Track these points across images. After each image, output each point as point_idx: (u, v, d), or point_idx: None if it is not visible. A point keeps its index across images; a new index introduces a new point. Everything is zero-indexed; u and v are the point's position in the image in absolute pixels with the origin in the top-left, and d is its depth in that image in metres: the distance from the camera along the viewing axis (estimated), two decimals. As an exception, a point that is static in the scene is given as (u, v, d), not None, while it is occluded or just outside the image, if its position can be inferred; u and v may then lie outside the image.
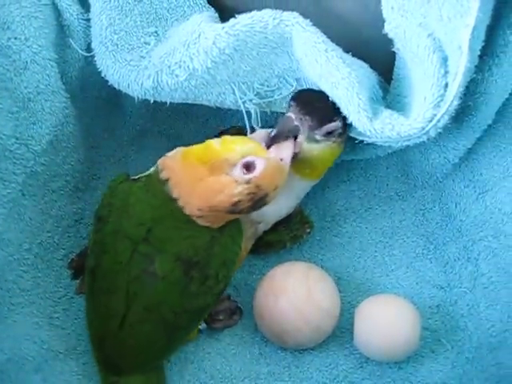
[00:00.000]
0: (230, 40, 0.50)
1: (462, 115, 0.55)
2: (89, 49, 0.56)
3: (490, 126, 0.57)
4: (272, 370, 0.54)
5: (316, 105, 0.52)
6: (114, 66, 0.54)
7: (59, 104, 0.55)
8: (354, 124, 0.51)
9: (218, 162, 0.47)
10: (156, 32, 0.56)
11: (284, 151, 0.50)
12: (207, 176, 0.47)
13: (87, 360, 0.52)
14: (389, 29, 0.52)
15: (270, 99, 0.55)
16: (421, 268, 0.59)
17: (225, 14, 0.57)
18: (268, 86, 0.55)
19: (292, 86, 0.55)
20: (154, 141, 0.64)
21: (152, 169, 0.50)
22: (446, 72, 0.48)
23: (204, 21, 0.53)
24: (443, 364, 0.54)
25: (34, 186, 0.53)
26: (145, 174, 0.51)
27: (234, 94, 0.54)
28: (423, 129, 0.49)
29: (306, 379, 0.54)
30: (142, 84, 0.53)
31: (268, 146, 0.50)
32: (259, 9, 0.54)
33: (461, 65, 0.47)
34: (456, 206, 0.60)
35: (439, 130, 0.49)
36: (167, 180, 0.48)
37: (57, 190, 0.56)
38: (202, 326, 0.55)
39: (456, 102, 0.48)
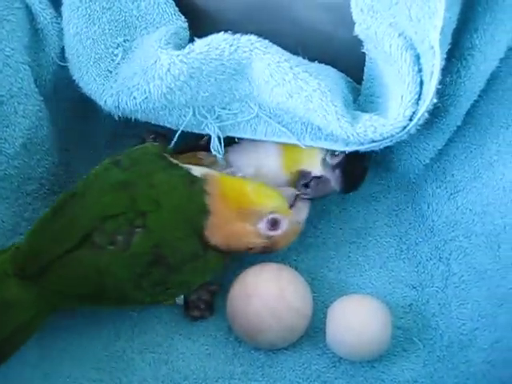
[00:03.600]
0: (184, 68, 0.50)
1: (431, 117, 0.55)
2: (63, 51, 0.56)
3: (460, 127, 0.58)
4: (246, 370, 0.55)
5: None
6: (83, 79, 0.55)
7: (32, 107, 0.55)
8: (335, 132, 0.52)
9: (248, 211, 0.51)
10: (124, 42, 0.56)
11: (302, 213, 0.55)
12: (235, 220, 0.51)
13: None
14: (359, 30, 0.53)
15: (231, 121, 0.56)
16: (394, 268, 0.60)
17: (195, 16, 0.57)
18: (230, 110, 0.55)
19: (254, 111, 0.55)
20: (129, 144, 0.64)
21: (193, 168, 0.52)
22: (420, 70, 0.50)
23: (164, 43, 0.52)
24: (415, 362, 0.55)
25: (7, 188, 0.54)
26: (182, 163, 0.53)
27: (194, 116, 0.55)
28: (404, 128, 0.50)
29: (279, 379, 0.54)
30: (105, 101, 0.54)
31: (290, 206, 0.53)
32: (230, 11, 0.55)
33: (436, 63, 0.48)
34: (428, 207, 0.61)
35: (418, 127, 0.51)
36: (207, 196, 0.50)
37: (31, 193, 0.57)
38: (179, 299, 0.56)
39: (435, 100, 0.49)
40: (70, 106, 0.62)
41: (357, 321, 0.53)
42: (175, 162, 0.53)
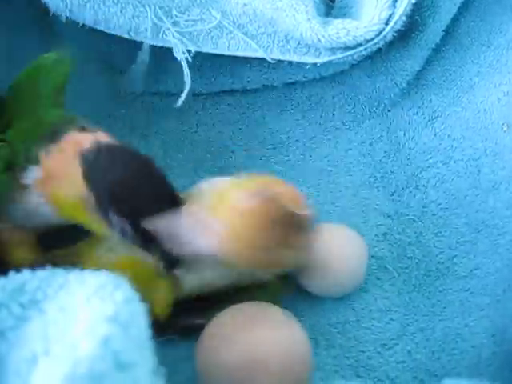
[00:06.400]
0: None
1: (408, 32, 0.52)
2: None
3: (439, 49, 0.55)
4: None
5: None
6: None
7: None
8: (305, 35, 0.48)
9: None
10: None
11: None
12: None
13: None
14: None
15: (190, 29, 0.51)
16: (367, 196, 0.55)
17: None
18: (188, 16, 0.51)
19: (216, 18, 0.51)
20: (93, 70, 0.59)
21: None
22: None
23: None
24: (388, 291, 0.51)
25: None
26: None
27: (149, 17, 0.50)
28: (380, 32, 0.47)
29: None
30: None
31: None
32: None
33: None
34: (405, 134, 0.57)
35: (394, 34, 0.48)
36: None
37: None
38: None
39: (414, 0, 0.47)
40: (22, 21, 0.57)
41: (330, 253, 0.47)
42: None
